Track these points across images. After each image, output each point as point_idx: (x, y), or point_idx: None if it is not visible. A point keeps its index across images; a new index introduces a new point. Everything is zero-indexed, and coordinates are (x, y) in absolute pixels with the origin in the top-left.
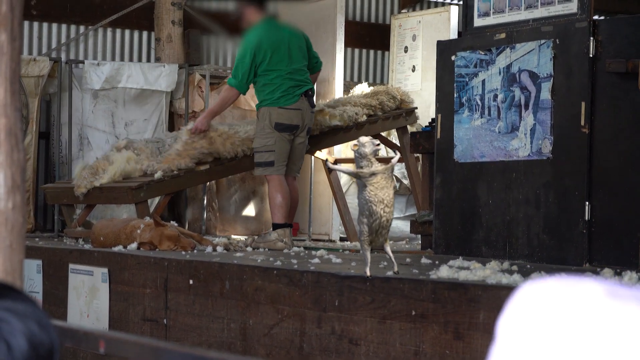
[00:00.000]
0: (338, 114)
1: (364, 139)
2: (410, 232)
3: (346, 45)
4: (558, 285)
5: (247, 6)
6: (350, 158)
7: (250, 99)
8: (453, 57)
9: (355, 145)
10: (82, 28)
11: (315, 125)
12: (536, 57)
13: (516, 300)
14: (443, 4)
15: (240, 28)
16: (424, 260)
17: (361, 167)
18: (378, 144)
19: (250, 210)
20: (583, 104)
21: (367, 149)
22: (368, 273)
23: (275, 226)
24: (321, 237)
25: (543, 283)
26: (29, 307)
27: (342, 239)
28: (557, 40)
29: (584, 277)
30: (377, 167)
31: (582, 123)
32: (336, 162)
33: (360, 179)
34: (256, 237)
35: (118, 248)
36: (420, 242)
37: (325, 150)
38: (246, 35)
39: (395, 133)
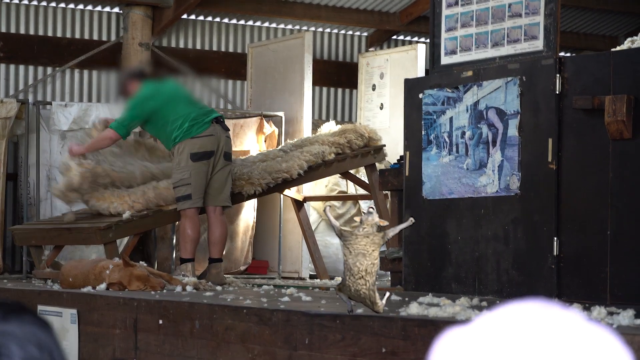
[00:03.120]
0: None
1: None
2: (380, 269)
3: (314, 83)
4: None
5: (129, 79)
6: (320, 196)
7: None
8: (421, 95)
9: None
10: (49, 69)
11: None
12: (503, 95)
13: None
14: (410, 42)
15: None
16: (393, 297)
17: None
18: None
19: None
20: (550, 140)
21: (375, 219)
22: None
23: (182, 261)
24: (291, 275)
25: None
26: (32, 329)
27: (312, 277)
28: (524, 77)
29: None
30: (363, 231)
31: (550, 159)
32: (305, 200)
33: (340, 238)
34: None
35: (87, 289)
36: (390, 279)
37: (294, 189)
38: (135, 96)
39: (364, 171)
